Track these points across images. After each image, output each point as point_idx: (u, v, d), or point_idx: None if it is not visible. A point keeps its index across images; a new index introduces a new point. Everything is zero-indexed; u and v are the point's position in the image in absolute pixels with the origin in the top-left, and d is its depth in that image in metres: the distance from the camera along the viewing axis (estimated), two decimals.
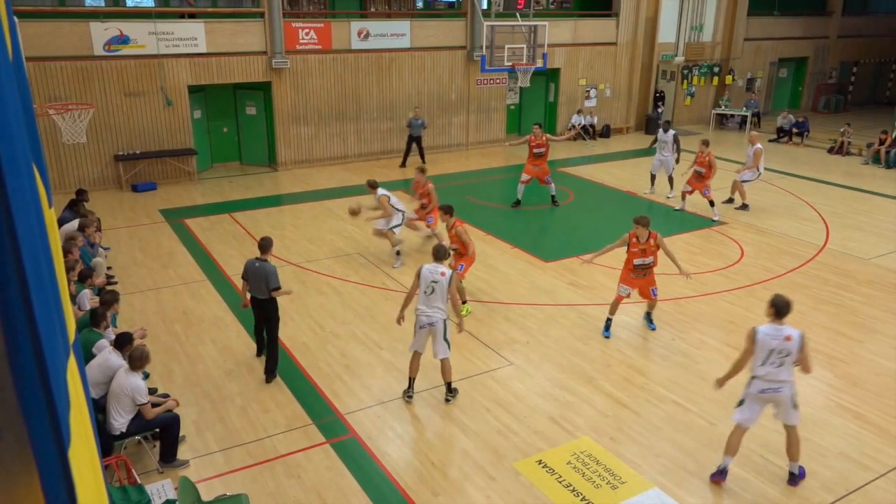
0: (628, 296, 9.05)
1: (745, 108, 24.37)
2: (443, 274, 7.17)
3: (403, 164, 18.09)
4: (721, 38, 24.64)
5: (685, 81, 24.15)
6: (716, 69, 24.73)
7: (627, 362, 8.37)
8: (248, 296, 7.85)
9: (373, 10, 21.08)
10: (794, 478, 6.28)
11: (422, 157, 17.89)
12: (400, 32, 18.72)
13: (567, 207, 14.91)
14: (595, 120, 22.37)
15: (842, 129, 20.71)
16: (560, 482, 6.25)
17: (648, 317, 9.37)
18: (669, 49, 23.33)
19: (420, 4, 23.45)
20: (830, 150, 20.62)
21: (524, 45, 18.78)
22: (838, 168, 18.62)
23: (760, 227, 13.51)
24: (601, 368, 8.21)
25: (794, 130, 22.22)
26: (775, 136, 22.41)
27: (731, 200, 14.99)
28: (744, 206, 14.59)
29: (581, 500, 6.02)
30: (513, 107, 21.95)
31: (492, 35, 18.23)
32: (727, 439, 6.30)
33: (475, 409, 7.38)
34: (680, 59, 23.32)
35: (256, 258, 7.75)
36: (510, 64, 18.58)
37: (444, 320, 7.26)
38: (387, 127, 19.13)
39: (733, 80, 25.17)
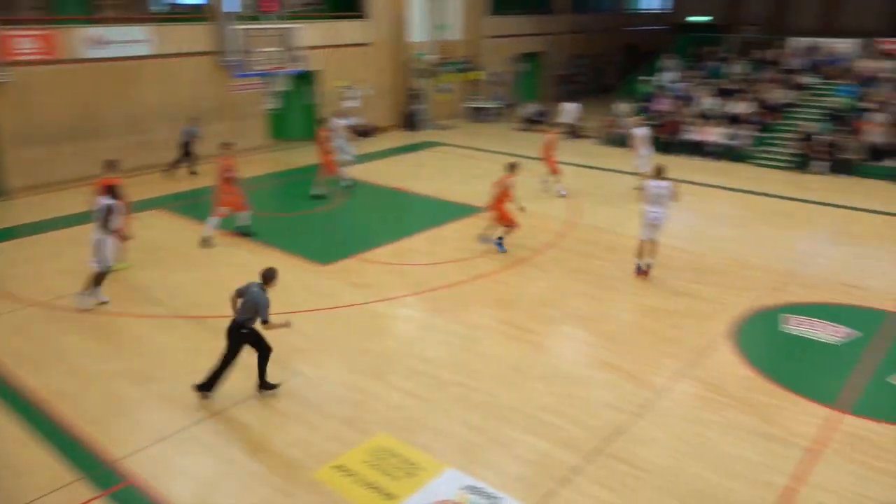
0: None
1: (494, 101, 26.24)
2: None
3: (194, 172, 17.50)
4: (466, 36, 26.20)
5: (438, 78, 25.31)
6: (465, 66, 26.25)
7: (412, 353, 8.60)
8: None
9: (105, 14, 19.26)
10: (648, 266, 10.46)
11: (188, 161, 17.27)
12: (140, 39, 17.34)
13: (340, 208, 14.92)
14: (359, 121, 22.61)
15: (577, 118, 23.12)
16: (360, 483, 6.25)
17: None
18: (420, 48, 24.29)
19: (160, 8, 21.93)
20: (569, 135, 22.91)
21: (279, 49, 18.41)
22: (577, 150, 20.73)
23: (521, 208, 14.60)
24: (388, 363, 8.35)
25: (538, 118, 24.37)
26: (522, 126, 24.41)
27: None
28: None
29: (382, 495, 6.08)
30: (273, 112, 21.42)
31: (243, 39, 17.63)
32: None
33: (265, 426, 7.12)
34: (431, 57, 24.38)
35: (249, 283, 7.42)
36: (265, 68, 18.11)
37: None
38: (136, 141, 17.64)
39: (481, 75, 26.92)
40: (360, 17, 22.66)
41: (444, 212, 14.52)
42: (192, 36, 18.46)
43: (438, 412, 7.33)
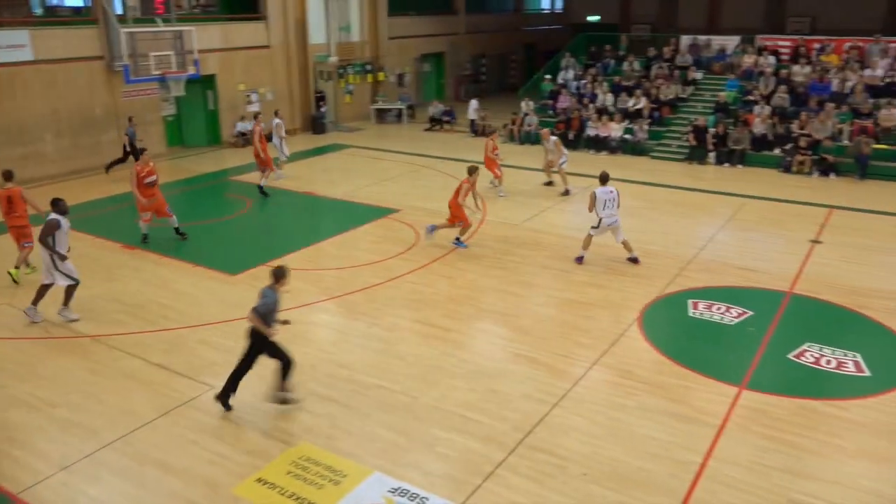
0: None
1: (399, 102, 26.24)
2: None
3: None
4: (367, 37, 26.07)
5: (342, 80, 25.10)
6: (368, 67, 26.13)
7: (330, 359, 8.47)
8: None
9: None
10: (635, 260, 11.21)
11: (135, 156, 16.17)
12: (18, 44, 16.26)
13: (247, 216, 14.52)
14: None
15: (481, 115, 23.45)
16: (283, 494, 6.10)
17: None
18: (322, 50, 23.98)
19: (39, 11, 20.65)
20: (475, 134, 23.21)
21: (171, 52, 17.72)
22: (483, 148, 21.00)
23: (430, 209, 14.67)
24: (306, 370, 8.18)
25: (444, 118, 24.55)
26: (429, 126, 24.52)
27: (550, 184, 16.32)
28: (567, 192, 15.77)
29: None
30: (170, 118, 20.61)
31: (132, 43, 16.84)
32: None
33: (179, 444, 6.82)
34: (334, 59, 24.12)
35: (269, 286, 7.13)
36: (159, 73, 17.40)
37: None
38: (21, 153, 16.54)
39: (385, 76, 26.86)
40: (257, 18, 22.11)
41: (355, 215, 14.38)
42: (78, 40, 17.49)
43: (360, 417, 7.25)
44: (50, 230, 9.14)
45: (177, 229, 12.72)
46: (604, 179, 11.35)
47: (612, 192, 11.22)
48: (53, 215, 9.26)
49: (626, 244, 11.42)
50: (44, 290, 9.49)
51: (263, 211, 14.95)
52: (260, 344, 7.12)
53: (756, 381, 7.86)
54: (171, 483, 6.27)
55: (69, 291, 9.51)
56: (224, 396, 7.30)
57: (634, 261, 11.40)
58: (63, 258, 9.30)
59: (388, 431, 6.99)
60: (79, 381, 7.99)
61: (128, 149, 17.37)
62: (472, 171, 12.22)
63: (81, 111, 17.65)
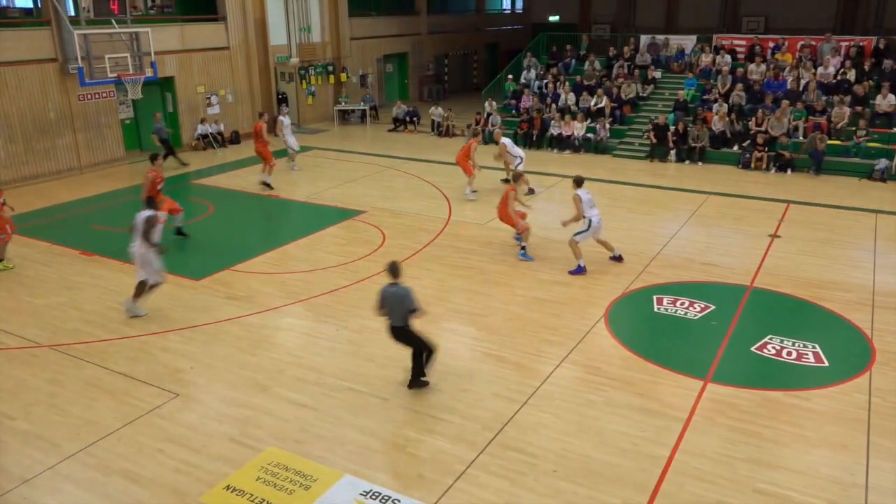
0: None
1: (362, 103, 26.11)
2: None
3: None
4: (329, 38, 25.89)
5: (304, 81, 24.87)
6: (330, 68, 25.95)
7: (298, 363, 8.39)
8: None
9: None
10: (619, 258, 11.32)
11: (173, 154, 18.71)
12: None
13: (209, 220, 14.29)
14: (222, 127, 21.78)
15: (445, 114, 23.46)
16: (253, 501, 6.02)
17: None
18: (283, 51, 23.75)
19: None
20: (439, 134, 23.22)
21: (128, 54, 17.37)
22: (447, 148, 21.02)
23: (395, 210, 14.63)
24: (274, 375, 8.10)
25: (408, 119, 24.50)
26: (392, 126, 24.45)
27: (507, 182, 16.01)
28: (531, 191, 15.68)
29: None
30: (128, 121, 20.18)
31: (86, 45, 16.46)
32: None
33: (145, 454, 6.68)
34: (295, 60, 23.90)
35: (390, 284, 7.26)
36: (115, 75, 17.05)
37: None
38: None
39: (348, 77, 26.70)
40: (215, 19, 21.78)
41: (320, 217, 14.27)
42: (29, 41, 17.01)
43: (330, 420, 7.20)
44: (152, 225, 9.39)
45: (179, 229, 12.88)
46: (579, 182, 11.12)
47: (588, 193, 11.15)
48: (151, 211, 9.50)
49: (605, 243, 11.40)
50: (144, 286, 9.56)
51: (226, 215, 14.73)
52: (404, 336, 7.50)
53: (720, 374, 8.01)
54: (138, 493, 6.14)
55: (150, 288, 9.62)
56: (418, 382, 7.67)
57: (618, 259, 11.44)
58: (161, 252, 9.59)
59: (359, 434, 6.95)
60: (39, 392, 7.78)
61: (165, 143, 18.48)
62: (517, 178, 12.45)
63: (34, 115, 17.17)
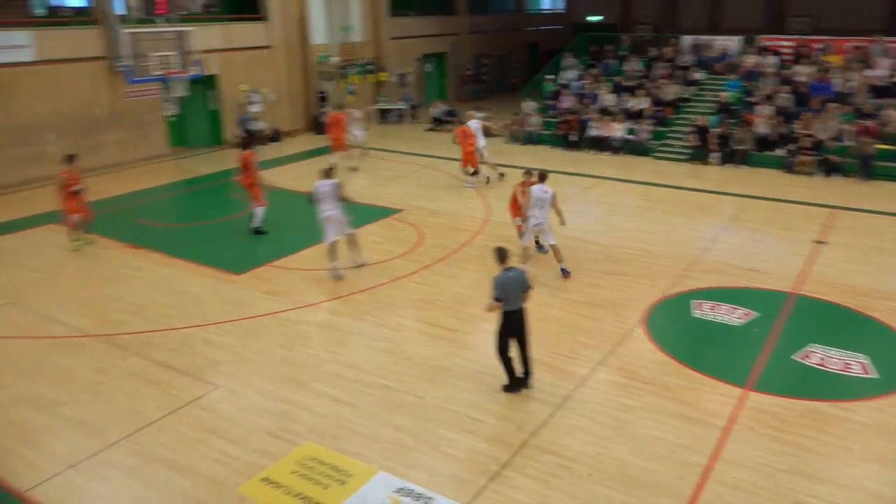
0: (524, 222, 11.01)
1: (401, 102, 26.23)
2: None
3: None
4: (369, 37, 26.07)
5: (344, 81, 25.08)
6: (370, 67, 26.12)
7: (335, 359, 8.47)
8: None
9: None
10: (565, 273, 10.65)
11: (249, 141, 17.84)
12: (19, 44, 16.27)
13: (250, 216, 14.49)
14: (263, 125, 22.08)
15: (484, 115, 23.39)
16: (289, 494, 6.10)
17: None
18: (324, 50, 23.98)
19: (41, 11, 20.66)
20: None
21: (173, 53, 17.73)
22: (487, 148, 20.97)
23: (432, 209, 14.68)
24: (311, 370, 8.20)
25: (446, 118, 24.53)
26: (431, 126, 24.52)
27: (476, 173, 16.49)
28: (476, 173, 16.33)
29: None
30: (173, 118, 20.61)
31: (134, 43, 16.85)
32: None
33: (185, 443, 6.83)
34: (335, 59, 24.11)
35: (505, 269, 7.29)
36: (161, 73, 17.41)
37: None
38: (20, 154, 16.55)
39: (387, 76, 26.85)
40: (258, 19, 22.11)
41: (358, 215, 14.28)
42: (80, 40, 17.50)
43: (365, 416, 7.25)
44: (341, 188, 10.70)
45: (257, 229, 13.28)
46: (542, 177, 10.71)
47: (547, 191, 10.53)
48: (333, 179, 10.74)
49: (556, 252, 10.80)
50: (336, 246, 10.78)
51: (266, 211, 14.92)
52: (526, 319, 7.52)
53: (762, 382, 7.86)
54: (178, 482, 6.28)
55: (351, 240, 11.14)
56: (514, 385, 7.63)
57: (565, 273, 10.75)
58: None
59: (394, 431, 7.00)
60: (85, 380, 8.01)
61: (244, 134, 18.81)
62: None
63: (83, 112, 17.65)
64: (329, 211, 10.60)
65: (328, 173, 10.82)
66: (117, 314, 9.74)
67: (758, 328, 9.16)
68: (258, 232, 13.15)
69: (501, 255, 7.53)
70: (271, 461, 6.54)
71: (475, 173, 16.46)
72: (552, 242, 10.89)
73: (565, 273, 10.83)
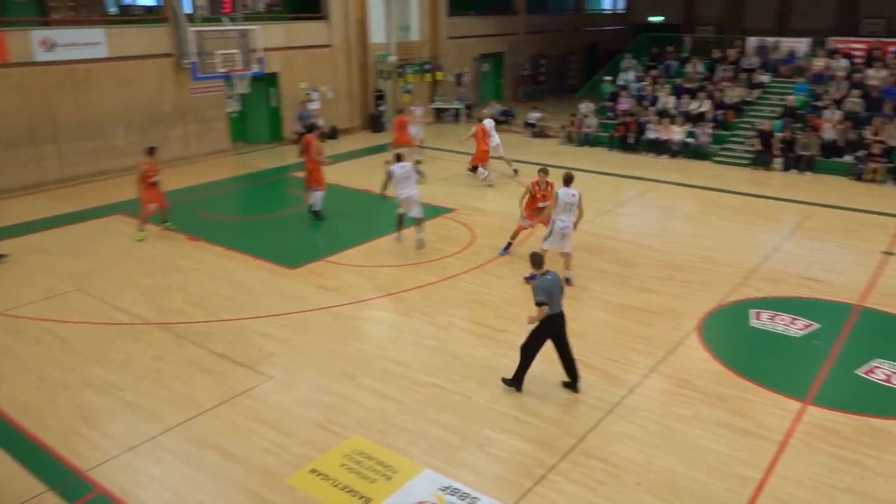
0: (531, 227, 11.51)
1: (457, 102, 26.29)
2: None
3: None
4: (427, 37, 26.20)
5: (401, 80, 25.27)
6: (427, 67, 26.25)
7: (385, 355, 8.55)
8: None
9: (56, 16, 18.78)
10: (568, 280, 10.08)
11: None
12: (93, 41, 16.94)
13: (306, 211, 14.75)
14: (321, 122, 22.43)
15: (539, 115, 23.30)
16: (336, 486, 6.19)
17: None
18: (382, 49, 24.20)
19: (114, 10, 21.47)
20: (532, 135, 23.08)
21: (237, 51, 18.17)
22: (540, 149, 20.87)
23: (484, 209, 14.66)
24: (361, 365, 8.30)
25: (502, 119, 24.47)
26: None
27: (474, 169, 16.88)
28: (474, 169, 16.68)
29: (358, 498, 6.03)
30: (235, 114, 21.12)
31: (200, 41, 17.34)
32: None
33: (238, 432, 7.00)
34: (393, 58, 24.31)
35: (545, 273, 7.36)
36: (224, 70, 17.87)
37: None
38: (92, 147, 17.22)
39: (444, 76, 26.94)
40: (319, 18, 22.48)
41: None
42: (149, 38, 18.11)
43: (413, 413, 7.30)
44: (415, 171, 11.95)
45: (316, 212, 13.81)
46: (568, 180, 10.31)
47: (574, 195, 10.22)
48: (406, 163, 11.87)
49: (567, 260, 10.45)
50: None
51: (322, 207, 15.16)
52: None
53: (822, 396, 7.59)
54: (230, 469, 6.44)
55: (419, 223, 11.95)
56: (573, 382, 7.63)
57: (567, 282, 10.08)
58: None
59: (441, 429, 7.02)
60: (145, 366, 8.29)
61: (302, 130, 19.12)
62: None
63: (151, 107, 18.26)
64: (410, 191, 11.61)
65: (399, 158, 11.69)
66: (176, 303, 10.05)
67: (819, 340, 8.85)
68: (316, 215, 13.43)
69: (537, 259, 7.49)
70: (319, 453, 6.65)
71: (474, 169, 16.85)
72: (567, 250, 10.48)
73: (568, 282, 10.32)
